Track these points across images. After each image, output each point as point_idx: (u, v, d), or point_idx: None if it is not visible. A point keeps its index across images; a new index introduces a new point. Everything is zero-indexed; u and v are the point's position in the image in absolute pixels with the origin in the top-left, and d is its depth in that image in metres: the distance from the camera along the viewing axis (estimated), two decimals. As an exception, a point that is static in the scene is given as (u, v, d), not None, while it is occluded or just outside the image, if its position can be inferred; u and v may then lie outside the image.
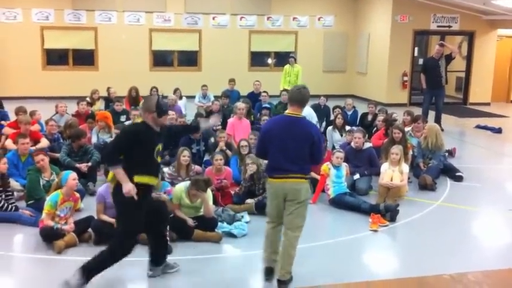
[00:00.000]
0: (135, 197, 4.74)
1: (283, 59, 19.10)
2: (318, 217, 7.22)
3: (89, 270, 4.84)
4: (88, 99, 12.09)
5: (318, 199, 7.72)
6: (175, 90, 13.20)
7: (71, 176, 6.22)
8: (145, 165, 4.93)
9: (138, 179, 4.87)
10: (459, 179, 8.93)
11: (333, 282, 5.23)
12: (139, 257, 5.27)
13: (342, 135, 9.96)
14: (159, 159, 5.08)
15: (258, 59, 18.82)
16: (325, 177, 7.70)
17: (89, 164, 8.15)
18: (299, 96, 5.11)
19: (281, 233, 5.18)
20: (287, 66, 14.54)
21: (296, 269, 5.45)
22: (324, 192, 7.76)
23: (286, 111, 5.23)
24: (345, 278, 5.34)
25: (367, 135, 9.23)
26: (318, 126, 9.79)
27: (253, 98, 13.21)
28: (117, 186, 4.87)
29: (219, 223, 6.49)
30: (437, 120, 12.92)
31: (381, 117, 10.36)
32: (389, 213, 7.05)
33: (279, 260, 5.12)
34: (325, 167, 7.70)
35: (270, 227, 5.23)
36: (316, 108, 11.53)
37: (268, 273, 5.23)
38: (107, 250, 4.94)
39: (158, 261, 5.35)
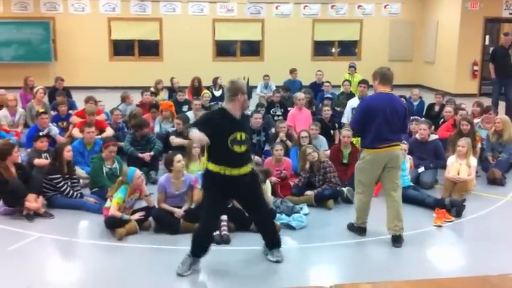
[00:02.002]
0: (204, 140, 4.84)
1: (347, 48, 18.89)
2: (379, 211, 7.01)
3: (193, 253, 5.13)
4: (152, 89, 12.30)
5: (380, 192, 7.51)
6: (237, 80, 13.19)
7: (136, 175, 6.28)
8: (219, 153, 4.99)
9: (210, 166, 5.02)
10: (531, 173, 8.48)
11: (392, 279, 5.05)
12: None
13: (406, 127, 9.63)
14: (241, 148, 5.00)
15: (321, 49, 18.58)
16: (387, 170, 7.47)
17: (151, 153, 8.28)
18: (391, 77, 5.93)
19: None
20: (347, 75, 13.87)
21: (355, 265, 5.34)
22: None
23: (380, 89, 5.87)
24: (405, 275, 5.15)
25: (433, 127, 8.89)
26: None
27: (316, 88, 13.03)
28: (207, 169, 5.08)
29: (278, 214, 6.42)
30: (508, 111, 12.31)
31: (448, 108, 9.96)
32: (455, 208, 6.77)
33: (390, 219, 5.90)
34: (388, 159, 7.46)
35: (364, 195, 6.01)
36: (380, 98, 11.22)
37: (364, 231, 6.14)
38: (197, 231, 5.24)
39: (270, 243, 5.44)
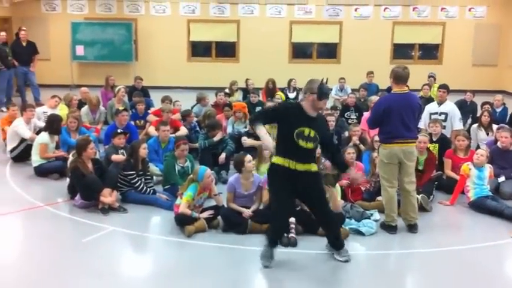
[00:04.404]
0: (272, 151, 5.03)
1: (428, 51, 18.33)
2: (454, 220, 6.75)
3: (270, 243, 5.28)
4: (227, 90, 12.43)
5: (456, 201, 7.21)
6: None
7: (206, 174, 6.32)
8: (284, 145, 5.07)
9: (276, 159, 5.12)
10: None
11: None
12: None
13: (488, 134, 9.21)
14: (307, 144, 5.04)
15: (400, 51, 18.13)
16: (465, 178, 7.15)
17: (223, 155, 8.34)
18: (405, 76, 6.09)
19: None
20: (425, 87, 13.00)
21: (418, 276, 5.13)
22: (463, 193, 7.22)
23: (395, 89, 6.15)
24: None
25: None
26: (462, 124, 9.17)
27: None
28: (272, 164, 5.19)
29: (347, 219, 6.29)
30: None
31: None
32: (537, 221, 6.37)
33: (406, 211, 6.17)
34: (466, 167, 7.15)
35: (394, 190, 6.14)
36: (461, 104, 10.82)
37: (395, 229, 6.19)
38: (271, 222, 5.46)
39: (333, 244, 5.44)
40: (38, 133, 8.63)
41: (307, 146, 5.06)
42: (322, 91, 5.06)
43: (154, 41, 17.36)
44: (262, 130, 5.06)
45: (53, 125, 8.38)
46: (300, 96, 12.30)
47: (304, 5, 17.44)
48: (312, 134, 5.06)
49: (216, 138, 8.43)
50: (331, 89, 9.87)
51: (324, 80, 5.16)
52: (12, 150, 8.76)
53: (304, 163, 5.10)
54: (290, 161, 5.06)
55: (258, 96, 11.56)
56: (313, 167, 5.20)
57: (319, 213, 5.39)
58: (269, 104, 10.29)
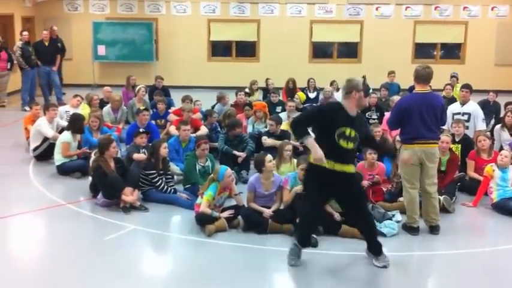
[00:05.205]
0: (324, 161, 4.94)
1: (450, 51, 18.15)
2: (477, 222, 6.67)
3: (300, 243, 5.31)
4: (247, 89, 12.43)
5: (479, 202, 7.12)
6: (332, 82, 13.08)
7: (227, 174, 6.32)
8: (326, 147, 5.00)
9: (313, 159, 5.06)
10: None
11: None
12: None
13: (511, 135, 9.06)
14: (348, 145, 5.03)
15: (422, 51, 17.93)
16: (488, 180, 7.06)
17: (244, 154, 8.34)
18: (426, 75, 6.03)
19: None
20: (448, 87, 12.78)
21: (439, 279, 5.08)
22: (486, 195, 7.13)
23: (417, 89, 6.09)
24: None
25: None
26: (485, 124, 9.05)
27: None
28: (310, 163, 5.14)
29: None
30: None
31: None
32: None
33: (427, 213, 6.14)
34: (489, 168, 7.06)
35: (416, 191, 6.09)
36: (484, 104, 10.67)
37: (417, 231, 6.13)
38: (300, 221, 5.49)
39: (373, 249, 5.38)
40: (60, 132, 8.73)
41: (348, 146, 5.04)
42: (368, 87, 5.09)
43: (175, 41, 17.42)
44: (311, 141, 5.02)
45: (75, 124, 8.47)
46: (321, 96, 12.25)
47: (325, 4, 17.36)
48: (353, 134, 5.05)
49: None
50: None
51: (363, 78, 5.25)
52: (35, 149, 8.87)
53: (343, 163, 5.07)
54: (329, 161, 5.00)
55: (278, 96, 11.54)
56: (351, 168, 5.18)
57: (357, 214, 5.34)
58: (290, 103, 10.26)
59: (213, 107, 11.15)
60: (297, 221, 5.77)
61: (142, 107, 9.51)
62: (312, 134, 5.19)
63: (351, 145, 5.06)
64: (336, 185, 5.11)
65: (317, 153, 4.94)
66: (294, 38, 17.31)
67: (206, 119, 9.71)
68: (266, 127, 9.44)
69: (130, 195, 6.86)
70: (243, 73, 16.23)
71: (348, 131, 5.02)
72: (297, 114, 9.57)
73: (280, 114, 9.93)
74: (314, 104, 11.88)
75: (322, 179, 5.08)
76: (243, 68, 17.19)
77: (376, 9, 17.43)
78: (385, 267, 5.30)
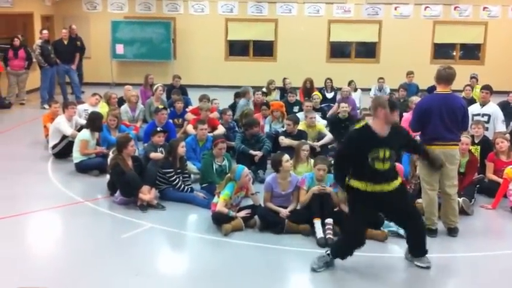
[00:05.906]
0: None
1: (470, 51, 17.96)
2: (496, 224, 6.58)
3: (333, 254, 5.26)
4: (264, 89, 12.42)
5: (499, 205, 7.03)
6: (350, 82, 13.02)
7: (244, 173, 6.32)
8: (361, 170, 4.94)
9: (353, 182, 5.01)
10: None
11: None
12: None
13: (532, 136, 8.95)
14: (384, 166, 4.91)
15: (441, 51, 17.77)
16: (508, 182, 6.98)
17: (261, 153, 8.34)
18: (446, 76, 5.98)
19: None
20: (467, 88, 12.46)
21: (457, 281, 5.02)
22: (505, 197, 7.04)
23: (437, 90, 6.06)
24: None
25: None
26: (504, 126, 8.93)
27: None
28: (349, 185, 5.08)
29: (385, 222, 6.17)
30: None
31: None
32: None
33: (446, 215, 6.09)
34: (509, 170, 6.98)
35: (434, 193, 6.03)
36: (504, 105, 10.53)
37: (435, 233, 6.05)
38: (342, 239, 5.42)
39: (419, 250, 5.34)
40: (79, 130, 8.79)
41: (384, 168, 4.93)
42: (393, 102, 4.99)
43: (193, 40, 17.46)
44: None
45: (94, 122, 8.52)
46: (338, 96, 12.20)
47: (343, 3, 17.28)
48: (388, 154, 4.89)
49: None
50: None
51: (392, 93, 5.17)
52: (54, 147, 8.95)
53: (382, 184, 4.96)
54: (367, 184, 4.94)
55: (295, 96, 11.51)
56: (392, 184, 5.02)
57: (406, 216, 5.22)
58: (307, 103, 10.21)
59: (233, 103, 11.16)
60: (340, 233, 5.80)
61: (160, 106, 9.54)
62: None
63: (387, 165, 4.93)
64: (378, 204, 5.04)
65: None
66: (312, 38, 17.26)
67: (221, 118, 9.72)
68: (283, 127, 9.42)
69: (147, 193, 6.89)
70: (260, 73, 16.23)
71: (381, 153, 4.86)
72: (314, 114, 9.56)
73: (297, 114, 9.89)
74: (331, 104, 11.83)
75: (365, 202, 5.01)
76: (260, 68, 17.17)
77: (395, 9, 17.31)
78: (428, 267, 5.28)
